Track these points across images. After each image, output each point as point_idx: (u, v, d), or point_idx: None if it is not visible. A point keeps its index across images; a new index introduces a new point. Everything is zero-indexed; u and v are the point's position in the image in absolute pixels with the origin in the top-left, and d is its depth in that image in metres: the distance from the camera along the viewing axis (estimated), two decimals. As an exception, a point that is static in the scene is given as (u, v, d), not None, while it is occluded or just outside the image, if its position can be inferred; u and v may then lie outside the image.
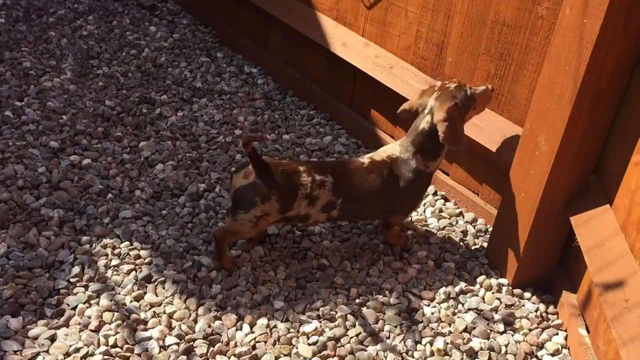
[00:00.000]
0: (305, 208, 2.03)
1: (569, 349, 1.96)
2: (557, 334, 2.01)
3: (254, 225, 2.02)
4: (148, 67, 3.28)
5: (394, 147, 2.13)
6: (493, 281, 2.17)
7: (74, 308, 1.91)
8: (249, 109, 3.04)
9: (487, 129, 2.27)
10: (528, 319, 2.04)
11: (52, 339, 1.81)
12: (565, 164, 1.90)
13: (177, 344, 1.85)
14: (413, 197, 2.15)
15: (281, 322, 1.97)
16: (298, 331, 1.95)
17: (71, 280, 2.00)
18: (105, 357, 1.77)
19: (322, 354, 1.87)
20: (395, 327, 1.99)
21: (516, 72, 2.17)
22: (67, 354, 1.76)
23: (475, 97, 2.07)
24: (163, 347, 1.84)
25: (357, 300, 2.06)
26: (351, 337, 1.94)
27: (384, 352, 1.91)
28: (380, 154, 2.15)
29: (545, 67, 1.87)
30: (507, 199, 2.11)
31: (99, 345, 1.81)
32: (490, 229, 2.36)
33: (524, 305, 2.10)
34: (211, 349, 1.85)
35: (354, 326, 1.98)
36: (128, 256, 2.13)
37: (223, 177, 2.57)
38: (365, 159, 2.13)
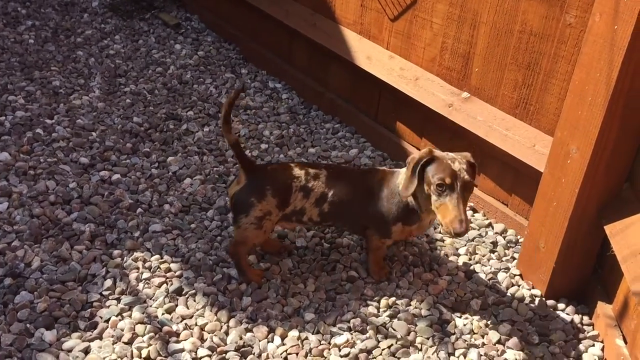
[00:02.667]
0: (301, 201, 2.04)
1: (606, 360, 1.93)
2: (593, 345, 1.97)
3: (258, 227, 2.03)
4: (174, 84, 3.33)
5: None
6: (525, 292, 2.14)
7: (107, 321, 1.92)
8: (274, 123, 3.06)
9: (515, 138, 2.25)
10: (563, 331, 2.01)
11: (86, 351, 1.82)
12: (598, 171, 1.88)
13: (209, 355, 1.85)
14: (384, 218, 2.04)
15: (312, 334, 1.96)
16: (329, 343, 1.93)
17: (104, 293, 2.02)
18: (138, 369, 1.78)
19: (354, 366, 1.86)
20: (428, 338, 1.97)
21: (545, 80, 2.16)
22: (102, 367, 1.77)
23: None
24: (195, 359, 1.84)
25: (388, 312, 2.05)
26: (383, 349, 1.92)
27: (417, 364, 1.89)
28: (389, 168, 2.14)
29: (575, 74, 1.86)
30: (538, 209, 2.09)
31: (132, 358, 1.82)
32: (521, 240, 2.33)
33: (558, 317, 2.07)
34: (243, 360, 1.85)
35: (386, 338, 1.96)
36: (159, 269, 2.14)
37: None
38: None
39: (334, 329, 1.97)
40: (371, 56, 2.80)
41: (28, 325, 1.87)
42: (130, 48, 3.67)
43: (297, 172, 2.05)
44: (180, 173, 2.64)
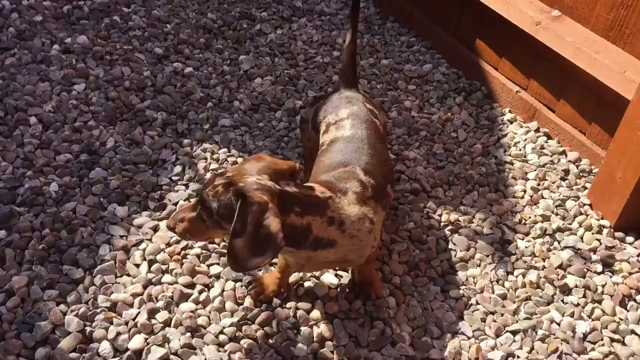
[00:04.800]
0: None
1: (670, 297, 1.88)
2: (658, 281, 1.92)
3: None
4: (249, -17, 3.26)
5: None
6: (594, 222, 2.08)
7: (175, 204, 1.98)
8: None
9: (604, 62, 2.13)
10: (629, 263, 1.96)
11: (155, 229, 1.89)
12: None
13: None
14: None
15: (372, 238, 1.97)
16: (389, 249, 1.95)
17: (173, 178, 2.07)
18: (204, 250, 1.84)
19: (411, 273, 1.87)
20: (487, 256, 1.96)
21: (647, 2, 2.00)
22: (169, 244, 1.84)
23: None
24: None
25: (449, 227, 2.04)
26: (441, 261, 1.92)
27: (473, 278, 1.89)
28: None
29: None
30: (620, 138, 1.99)
31: (197, 240, 1.88)
32: (595, 170, 2.25)
33: (625, 249, 2.01)
34: (303, 255, 1.88)
35: (445, 251, 1.96)
36: (226, 162, 2.18)
37: (319, 96, 2.56)
38: None
39: (396, 237, 1.98)
40: (457, -33, 2.66)
41: (102, 199, 1.95)
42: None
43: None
44: (251, 72, 2.63)
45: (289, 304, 1.72)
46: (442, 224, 2.05)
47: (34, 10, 2.76)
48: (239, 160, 2.18)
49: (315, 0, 3.20)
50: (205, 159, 2.18)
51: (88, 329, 1.57)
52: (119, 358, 1.53)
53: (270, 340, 1.63)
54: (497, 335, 1.73)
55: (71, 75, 2.41)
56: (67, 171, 2.02)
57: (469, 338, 1.72)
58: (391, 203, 1.82)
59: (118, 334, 1.57)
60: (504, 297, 1.84)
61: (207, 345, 1.59)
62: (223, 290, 1.74)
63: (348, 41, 2.07)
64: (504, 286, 1.88)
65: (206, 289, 1.74)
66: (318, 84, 2.62)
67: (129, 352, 1.54)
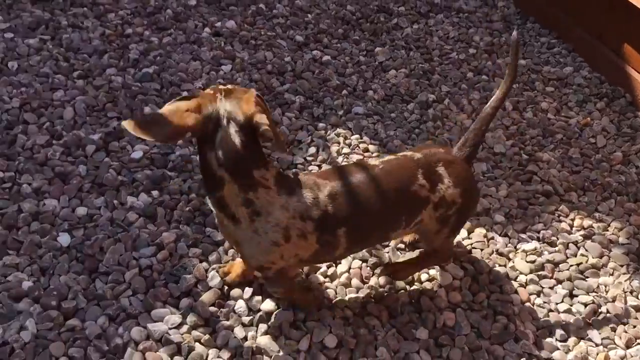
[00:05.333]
0: None
1: None
2: None
3: None
4: (389, -22, 3.32)
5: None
6: None
7: (308, 182, 2.07)
8: (485, 29, 2.96)
9: None
10: None
11: (289, 204, 1.99)
12: None
13: (397, 232, 1.94)
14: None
15: (499, 235, 1.96)
16: (516, 247, 1.93)
17: (307, 158, 2.17)
18: (333, 229, 1.91)
19: (539, 273, 1.84)
20: (622, 266, 1.88)
21: None
22: (301, 219, 1.93)
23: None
24: (384, 233, 1.93)
25: (582, 232, 1.97)
26: (571, 265, 1.88)
27: (605, 286, 1.82)
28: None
29: None
30: None
31: (327, 218, 1.96)
32: None
33: None
34: (429, 243, 1.91)
35: (575, 256, 1.91)
36: (357, 147, 2.24)
37: (453, 91, 2.56)
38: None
39: (523, 236, 1.96)
40: (611, -33, 2.55)
41: (242, 171, 2.08)
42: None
43: None
44: (386, 64, 2.68)
45: (412, 287, 1.75)
46: (574, 228, 2.00)
47: (189, -5, 2.97)
48: (370, 147, 2.24)
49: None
50: (338, 143, 2.25)
51: (226, 287, 1.69)
52: (252, 317, 1.64)
53: (394, 321, 1.67)
54: (628, 347, 1.67)
55: (219, 57, 2.58)
56: (211, 143, 2.17)
57: (596, 345, 1.67)
58: None
59: (253, 294, 1.67)
60: (637, 309, 1.77)
61: (334, 318, 1.66)
62: (350, 268, 1.80)
63: (494, 100, 1.58)
64: (637, 298, 1.80)
65: (334, 265, 1.81)
66: (452, 79, 2.62)
67: (260, 313, 1.64)
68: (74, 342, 1.52)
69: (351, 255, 1.82)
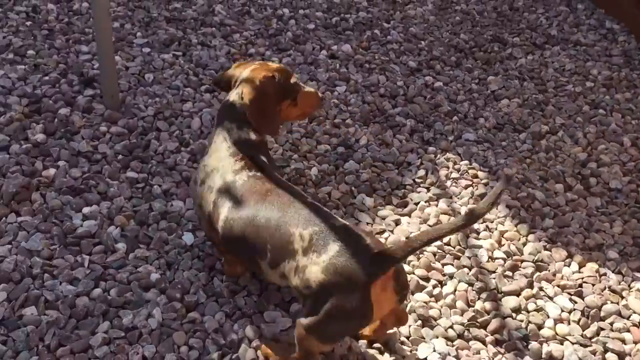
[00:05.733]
0: None
1: None
2: None
3: None
4: (504, 9, 3.32)
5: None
6: None
7: (416, 204, 2.11)
8: (604, 63, 2.90)
9: None
10: None
11: (397, 222, 2.04)
12: None
13: (504, 259, 1.93)
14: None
15: (613, 272, 1.91)
16: (629, 286, 1.87)
17: (416, 180, 2.21)
18: (439, 250, 1.94)
19: (655, 314, 1.78)
20: None
21: None
22: (407, 237, 1.98)
23: (299, 90, 1.84)
24: (491, 258, 1.94)
25: None
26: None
27: None
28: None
29: None
30: None
31: (434, 240, 1.99)
32: None
33: None
34: (537, 273, 1.89)
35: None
36: (466, 173, 2.26)
37: (568, 123, 2.53)
38: None
39: (638, 275, 1.89)
40: None
41: (353, 188, 2.15)
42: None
43: None
44: (499, 93, 2.69)
45: (519, 317, 1.75)
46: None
47: (308, 19, 3.12)
48: (480, 173, 2.25)
49: (571, 30, 3.15)
50: (447, 167, 2.28)
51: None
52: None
53: (500, 348, 1.67)
54: None
55: (334, 78, 2.69)
56: (325, 159, 2.26)
57: None
58: None
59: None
60: None
61: (437, 337, 1.68)
62: (455, 290, 1.82)
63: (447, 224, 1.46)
64: None
65: (439, 285, 1.83)
66: (567, 111, 2.59)
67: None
68: (194, 333, 1.63)
69: (457, 278, 1.84)
